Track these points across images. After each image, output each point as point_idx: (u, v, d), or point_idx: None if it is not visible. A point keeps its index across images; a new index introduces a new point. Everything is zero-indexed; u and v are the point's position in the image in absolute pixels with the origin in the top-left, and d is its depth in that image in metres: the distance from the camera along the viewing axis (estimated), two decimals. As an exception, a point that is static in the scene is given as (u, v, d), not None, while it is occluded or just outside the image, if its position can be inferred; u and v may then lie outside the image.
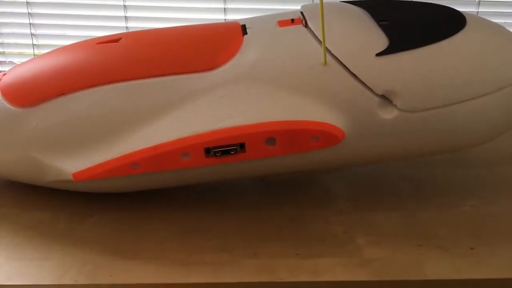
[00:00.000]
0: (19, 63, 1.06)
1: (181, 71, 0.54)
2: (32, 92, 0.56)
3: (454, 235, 0.56)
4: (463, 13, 0.60)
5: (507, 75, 0.56)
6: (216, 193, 0.64)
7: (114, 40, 0.59)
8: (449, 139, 0.57)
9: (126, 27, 1.00)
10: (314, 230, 0.57)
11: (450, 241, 0.55)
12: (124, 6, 0.98)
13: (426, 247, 0.54)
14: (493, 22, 0.63)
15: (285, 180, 0.65)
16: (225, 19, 1.01)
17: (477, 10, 1.03)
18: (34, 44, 1.03)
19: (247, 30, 0.58)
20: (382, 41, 0.54)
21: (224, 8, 1.00)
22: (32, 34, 1.02)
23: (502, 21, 1.04)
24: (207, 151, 0.52)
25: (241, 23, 0.61)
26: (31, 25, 1.01)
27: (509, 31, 0.61)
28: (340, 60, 0.53)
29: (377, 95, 0.53)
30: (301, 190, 0.65)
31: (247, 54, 0.55)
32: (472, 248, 0.54)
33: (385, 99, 0.54)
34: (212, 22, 0.99)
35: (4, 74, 0.60)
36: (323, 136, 0.52)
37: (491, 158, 0.72)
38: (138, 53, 0.57)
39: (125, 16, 0.99)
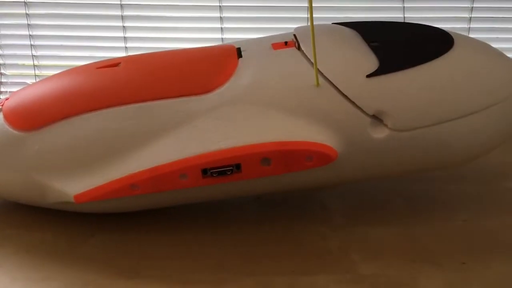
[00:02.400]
0: (20, 83, 1.08)
1: (178, 94, 0.56)
2: (34, 117, 0.58)
3: (447, 250, 0.57)
4: (450, 33, 0.62)
5: (494, 93, 0.58)
6: (214, 212, 0.65)
7: (113, 64, 0.61)
8: (439, 157, 0.58)
9: (126, 47, 1.02)
10: (310, 246, 0.58)
11: (443, 256, 0.56)
12: (123, 27, 1.00)
13: (419, 262, 0.55)
14: (480, 41, 0.65)
15: (281, 198, 0.67)
16: (222, 38, 1.03)
17: (468, 26, 1.06)
18: (36, 65, 1.05)
19: (242, 53, 0.60)
20: (372, 63, 0.56)
21: (221, 28, 1.02)
22: (33, 56, 1.04)
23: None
24: (204, 172, 0.53)
25: (236, 46, 0.63)
26: (32, 46, 1.04)
27: (496, 50, 0.63)
28: (332, 81, 0.55)
29: (368, 115, 0.55)
30: (297, 207, 0.66)
31: (242, 76, 0.57)
32: (463, 263, 0.55)
33: (376, 119, 0.55)
34: (209, 40, 1.02)
35: (7, 99, 0.62)
36: (316, 155, 0.54)
37: (483, 173, 0.74)
38: (136, 77, 0.59)
39: (124, 37, 1.01)
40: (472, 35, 1.07)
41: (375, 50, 0.58)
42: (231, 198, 0.65)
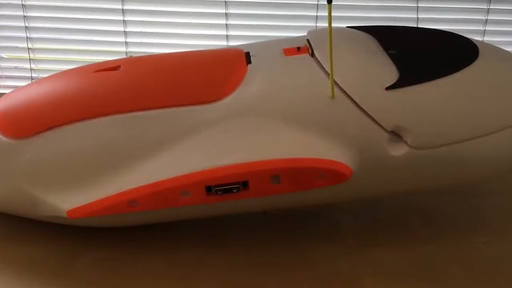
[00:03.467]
0: (14, 77, 1.04)
1: (182, 103, 0.52)
2: (26, 123, 0.53)
3: (467, 277, 0.53)
4: (474, 41, 0.58)
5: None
6: (217, 228, 0.61)
7: (112, 68, 0.57)
8: (461, 175, 0.54)
9: (126, 52, 0.97)
10: (319, 268, 0.54)
11: (463, 284, 0.52)
12: (125, 32, 0.95)
13: (435, 288, 0.52)
14: (505, 51, 0.60)
15: (289, 214, 0.63)
16: (227, 46, 0.98)
17: (484, 29, 1.01)
18: (31, 59, 1.00)
19: (251, 59, 0.56)
20: (392, 73, 0.52)
21: (226, 35, 0.97)
22: (28, 49, 1.00)
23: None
24: (208, 189, 0.49)
25: (245, 50, 0.58)
26: (28, 38, 0.99)
27: (524, 60, 0.59)
28: (348, 93, 0.51)
29: (386, 131, 0.51)
30: (306, 224, 0.62)
31: (251, 85, 0.53)
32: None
33: (395, 135, 0.51)
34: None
35: (-4, 102, 0.58)
36: (329, 174, 0.50)
37: (505, 185, 0.70)
38: (137, 83, 0.55)
39: (126, 42, 0.96)
40: (487, 38, 1.03)
41: (394, 59, 0.54)
42: (236, 214, 0.61)
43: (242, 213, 0.59)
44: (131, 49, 0.97)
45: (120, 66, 0.57)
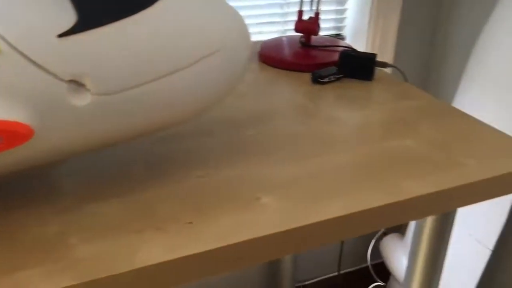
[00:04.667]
0: None
1: None
2: None
3: (174, 212, 0.55)
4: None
5: (209, 44, 0.55)
6: None
7: None
8: (160, 117, 0.55)
9: None
10: (22, 237, 0.51)
11: (169, 219, 0.54)
12: None
13: (145, 231, 0.52)
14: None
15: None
16: None
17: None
18: None
19: None
20: (69, 19, 0.49)
21: None
22: None
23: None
24: None
25: None
26: None
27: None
28: (14, 45, 0.47)
29: (64, 80, 0.48)
30: (18, 189, 0.58)
31: None
32: (190, 223, 0.54)
33: (76, 83, 0.49)
34: None
35: None
36: (5, 135, 0.46)
37: (223, 124, 0.74)
38: None
39: None
40: None
41: (76, 2, 0.50)
42: None
43: None
44: None
45: None
